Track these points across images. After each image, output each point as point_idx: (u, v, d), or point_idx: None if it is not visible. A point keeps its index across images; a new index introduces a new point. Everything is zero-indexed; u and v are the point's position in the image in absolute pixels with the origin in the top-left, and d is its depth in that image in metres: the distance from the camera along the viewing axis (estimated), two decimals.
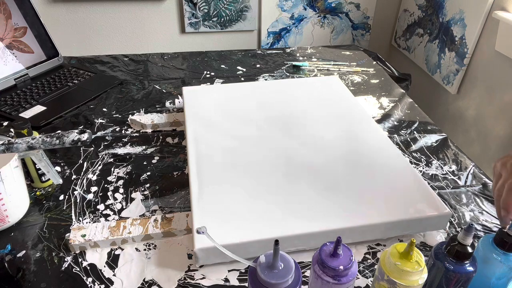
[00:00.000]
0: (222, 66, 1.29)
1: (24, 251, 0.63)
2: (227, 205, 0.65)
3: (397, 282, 0.46)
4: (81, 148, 0.87)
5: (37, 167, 0.72)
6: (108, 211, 0.71)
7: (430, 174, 0.83)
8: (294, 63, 1.29)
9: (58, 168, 0.81)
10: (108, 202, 0.73)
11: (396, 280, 0.46)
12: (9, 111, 0.97)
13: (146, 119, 0.94)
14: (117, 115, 1.00)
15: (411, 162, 0.85)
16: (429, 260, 0.52)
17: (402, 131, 0.96)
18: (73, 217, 0.69)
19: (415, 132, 0.96)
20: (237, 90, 1.01)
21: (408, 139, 0.93)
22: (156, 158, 0.85)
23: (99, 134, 0.92)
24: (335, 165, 0.75)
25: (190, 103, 0.94)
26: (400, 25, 1.95)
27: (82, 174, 0.79)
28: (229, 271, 0.61)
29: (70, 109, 1.00)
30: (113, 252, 0.63)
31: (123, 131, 0.93)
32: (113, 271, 0.60)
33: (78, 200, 0.73)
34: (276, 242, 0.43)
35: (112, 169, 0.81)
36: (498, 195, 0.61)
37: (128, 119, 0.96)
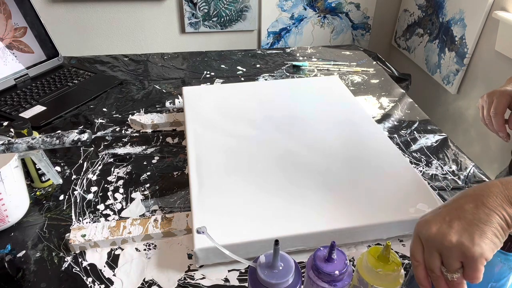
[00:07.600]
0: (222, 66, 1.29)
1: (24, 251, 0.63)
2: (227, 205, 0.65)
3: None
4: (81, 148, 0.87)
5: (37, 167, 0.72)
6: (108, 211, 0.71)
7: (430, 174, 0.83)
8: (294, 63, 1.29)
9: (58, 168, 0.81)
10: (108, 202, 0.73)
11: (378, 287, 0.47)
12: (9, 111, 0.97)
13: (146, 119, 0.94)
14: (117, 115, 1.00)
15: (411, 162, 0.85)
16: None
17: (402, 131, 0.96)
18: (73, 217, 0.69)
19: (415, 132, 0.96)
20: (237, 90, 1.01)
21: (408, 139, 0.93)
22: (156, 158, 0.85)
23: (99, 134, 0.92)
24: (335, 165, 0.75)
25: (190, 103, 0.94)
26: (400, 25, 1.95)
27: (82, 174, 0.79)
28: (229, 271, 0.61)
29: (70, 109, 1.00)
30: (113, 252, 0.63)
31: (123, 131, 0.93)
32: (113, 271, 0.60)
33: (78, 200, 0.73)
34: (276, 242, 0.43)
35: (112, 169, 0.81)
36: (488, 118, 0.76)
37: (128, 119, 0.96)
